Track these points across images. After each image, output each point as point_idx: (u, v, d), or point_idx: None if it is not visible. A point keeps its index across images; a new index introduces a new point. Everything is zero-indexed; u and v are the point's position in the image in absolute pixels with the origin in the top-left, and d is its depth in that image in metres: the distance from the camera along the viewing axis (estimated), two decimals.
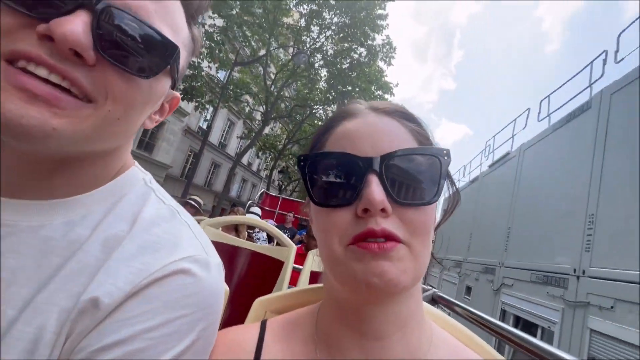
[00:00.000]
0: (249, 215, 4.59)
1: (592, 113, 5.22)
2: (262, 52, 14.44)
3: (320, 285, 0.57)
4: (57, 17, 0.33)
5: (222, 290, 0.47)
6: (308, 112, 16.87)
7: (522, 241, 6.49)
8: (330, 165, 0.41)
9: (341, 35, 14.06)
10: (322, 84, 16.12)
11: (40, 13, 0.33)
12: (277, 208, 9.73)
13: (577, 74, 6.49)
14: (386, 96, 15.48)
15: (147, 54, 0.38)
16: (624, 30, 5.33)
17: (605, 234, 4.26)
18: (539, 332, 5.18)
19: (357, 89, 14.69)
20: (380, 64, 14.69)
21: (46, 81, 0.34)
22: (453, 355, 0.45)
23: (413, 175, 0.39)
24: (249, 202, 9.45)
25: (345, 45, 14.39)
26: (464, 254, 9.34)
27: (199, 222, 0.50)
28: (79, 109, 0.36)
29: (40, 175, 0.40)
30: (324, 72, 15.51)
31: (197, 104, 11.52)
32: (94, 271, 0.39)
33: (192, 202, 4.14)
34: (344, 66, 14.50)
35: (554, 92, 7.30)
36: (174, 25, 0.42)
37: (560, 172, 5.74)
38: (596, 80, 5.81)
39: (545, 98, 7.51)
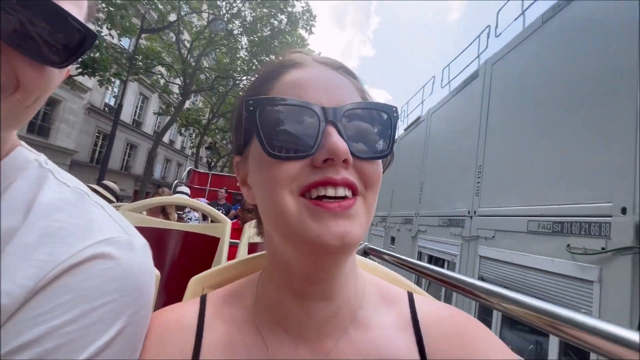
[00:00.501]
0: (176, 196, 4.30)
1: (479, 81, 6.19)
2: (173, 17, 13.05)
3: (259, 254, 0.56)
4: None
5: (151, 271, 0.43)
6: (232, 84, 16.11)
7: (432, 193, 7.61)
8: (286, 113, 0.37)
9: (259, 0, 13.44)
10: (243, 53, 15.42)
11: None
12: (208, 185, 9.49)
13: (468, 46, 7.50)
14: None
15: (61, 40, 0.35)
16: (502, 7, 6.32)
17: (489, 181, 5.32)
18: (445, 264, 6.36)
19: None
20: (302, 32, 14.60)
21: None
22: (382, 295, 0.47)
23: (368, 129, 0.39)
24: (176, 181, 9.01)
25: (265, 10, 13.84)
26: (388, 210, 10.52)
27: (116, 209, 0.46)
28: None
29: None
30: (244, 41, 14.80)
31: (100, 79, 10.14)
32: None
33: (100, 189, 3.33)
34: (265, 34, 14.02)
35: (452, 61, 8.35)
36: (79, 2, 0.38)
37: (458, 132, 6.77)
38: (482, 52, 6.85)
39: (446, 67, 8.54)
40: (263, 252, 0.53)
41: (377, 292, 0.47)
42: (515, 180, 4.64)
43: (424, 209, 7.89)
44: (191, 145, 22.81)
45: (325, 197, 0.36)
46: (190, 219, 4.56)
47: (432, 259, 7.24)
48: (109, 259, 0.37)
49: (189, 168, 9.90)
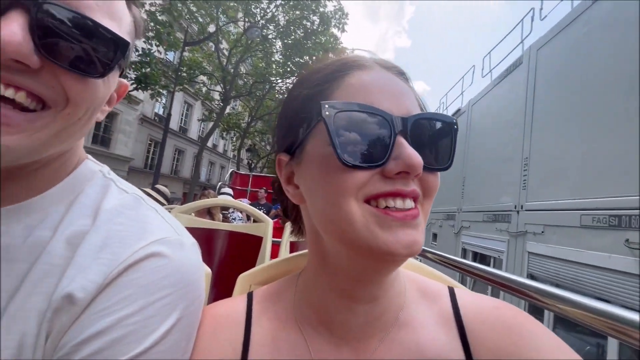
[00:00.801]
0: (220, 197, 4.48)
1: (523, 68, 5.85)
2: (212, 28, 13.80)
3: (301, 253, 0.57)
4: None
5: (201, 267, 0.46)
6: (268, 87, 16.65)
7: (474, 188, 7.34)
8: (359, 120, 0.36)
9: (291, 2, 13.73)
10: (277, 57, 15.86)
11: None
12: (249, 186, 9.78)
13: (510, 31, 7.09)
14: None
15: (99, 52, 0.37)
16: None
17: (536, 173, 5.06)
18: (492, 261, 6.14)
19: (314, 58, 14.65)
20: (334, 30, 14.67)
21: None
22: (423, 292, 0.47)
23: (433, 140, 0.39)
24: (219, 183, 9.34)
25: (297, 12, 14.12)
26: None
27: (168, 212, 0.51)
28: (30, 121, 0.35)
29: (17, 181, 0.39)
30: (278, 44, 15.21)
31: (152, 92, 11.07)
32: (62, 270, 0.38)
33: (153, 193, 3.50)
34: (298, 36, 14.30)
35: (493, 48, 7.95)
36: (116, 16, 0.40)
37: (502, 123, 6.46)
38: (526, 37, 6.46)
39: (486, 55, 8.15)
40: (304, 252, 0.54)
41: (417, 290, 0.47)
42: (565, 172, 4.38)
43: (466, 204, 7.64)
44: (232, 148, 23.97)
45: (390, 206, 0.36)
46: (235, 218, 4.74)
47: (477, 256, 7.01)
48: (162, 257, 0.41)
49: (231, 170, 10.28)
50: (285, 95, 0.48)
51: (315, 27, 14.13)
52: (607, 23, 4.03)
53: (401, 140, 0.36)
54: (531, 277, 4.91)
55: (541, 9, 5.99)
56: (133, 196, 0.47)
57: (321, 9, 13.65)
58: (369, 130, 0.36)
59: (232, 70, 14.66)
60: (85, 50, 0.35)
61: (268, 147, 24.11)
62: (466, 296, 0.46)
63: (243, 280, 0.58)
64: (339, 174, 0.35)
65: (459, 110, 9.28)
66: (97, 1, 0.37)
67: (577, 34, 4.56)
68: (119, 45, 0.39)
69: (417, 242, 0.35)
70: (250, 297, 0.49)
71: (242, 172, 11.80)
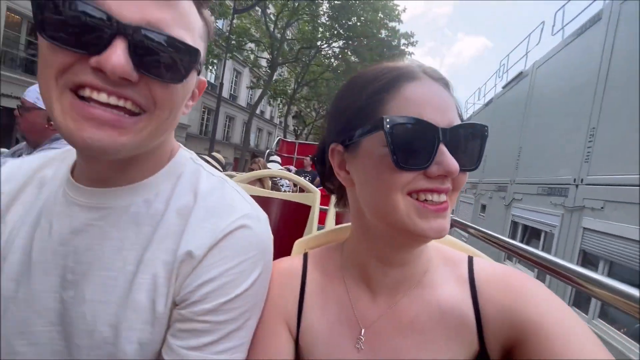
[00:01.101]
0: (270, 165, 4.81)
1: (602, 24, 5.16)
2: None
3: (341, 226, 0.69)
4: (99, 48, 0.39)
5: (271, 236, 0.56)
6: (314, 52, 16.35)
7: (531, 158, 6.92)
8: (411, 130, 0.43)
9: None
10: (324, 19, 15.29)
11: (88, 48, 0.39)
12: (295, 153, 9.90)
13: None
14: (393, 24, 14.71)
15: (177, 62, 0.43)
16: None
17: (602, 145, 4.67)
18: (542, 235, 5.95)
19: (363, 19, 13.98)
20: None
21: (107, 105, 0.41)
22: (445, 259, 0.55)
23: (467, 146, 0.46)
24: (267, 150, 9.61)
25: None
26: (479, 176, 9.86)
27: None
28: (136, 123, 0.43)
29: (118, 169, 0.49)
30: (325, 6, 14.61)
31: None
32: (178, 233, 0.50)
33: (210, 159, 3.62)
34: None
35: (568, 1, 6.99)
36: (189, 26, 0.46)
37: (570, 89, 5.87)
38: None
39: (559, 9, 7.21)
40: (346, 225, 0.65)
41: (441, 258, 0.55)
42: (634, 146, 4.01)
43: (520, 175, 7.27)
44: (279, 114, 24.35)
45: (428, 200, 0.44)
46: (282, 185, 4.99)
47: (527, 229, 6.80)
48: (247, 228, 0.52)
49: (278, 138, 10.46)
50: (342, 92, 0.54)
51: None
52: None
53: (443, 148, 0.43)
54: (584, 252, 4.74)
55: None
56: (219, 179, 0.58)
57: None
58: (418, 139, 0.43)
59: (279, 36, 14.59)
60: (167, 62, 0.42)
61: (314, 114, 24.00)
62: (482, 263, 0.53)
63: (299, 244, 0.71)
64: (391, 172, 0.44)
65: (520, 73, 8.50)
66: (174, 17, 0.43)
67: None
68: (192, 54, 0.45)
69: (445, 229, 0.45)
70: (305, 256, 0.62)
71: (288, 139, 11.79)
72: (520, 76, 8.49)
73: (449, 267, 0.54)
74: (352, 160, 0.50)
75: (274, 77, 17.80)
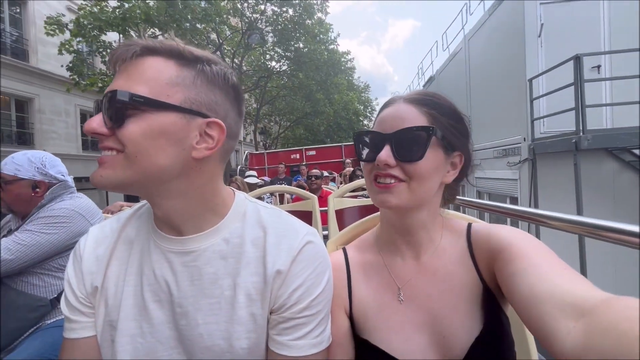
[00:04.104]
0: (249, 180, 4.89)
1: None
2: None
3: (366, 219, 0.86)
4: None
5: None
6: (268, 77, 17.50)
7: (482, 125, 7.36)
8: (367, 138, 0.65)
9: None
10: (272, 46, 16.51)
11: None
12: (265, 164, 10.06)
13: None
14: (332, 46, 17.32)
15: (117, 108, 0.50)
16: None
17: (475, 125, 5.38)
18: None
19: (302, 45, 15.69)
20: (319, 14, 15.48)
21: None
22: (451, 229, 0.68)
23: (410, 143, 0.59)
24: (239, 166, 9.63)
25: (290, 13, 14.93)
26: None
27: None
28: (113, 160, 0.52)
29: (188, 219, 0.60)
30: (270, 37, 15.93)
31: None
32: (259, 258, 0.60)
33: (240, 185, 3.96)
34: (284, 25, 14.97)
35: None
36: (145, 79, 0.52)
37: (498, 54, 6.39)
38: None
39: None
40: (367, 218, 0.86)
41: (449, 229, 0.69)
42: (485, 125, 4.95)
43: (476, 142, 7.72)
44: (245, 133, 25.80)
45: (378, 182, 0.62)
46: (263, 198, 4.89)
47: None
48: (312, 243, 0.63)
49: (246, 152, 10.55)
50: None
51: (297, 16, 14.95)
52: None
53: (386, 146, 0.60)
54: (478, 192, 7.35)
55: None
56: (272, 209, 0.68)
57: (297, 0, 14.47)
58: (371, 142, 0.64)
59: (237, 68, 15.46)
60: (114, 111, 0.51)
61: (276, 127, 24.34)
62: (476, 226, 0.66)
63: (332, 244, 0.88)
64: (364, 165, 0.66)
65: (457, 51, 9.00)
66: (127, 78, 0.52)
67: None
68: (123, 99, 0.51)
69: (387, 201, 0.61)
70: (344, 250, 0.76)
71: (255, 152, 11.90)
72: (455, 50, 9.00)
73: (455, 233, 0.68)
74: None
75: None
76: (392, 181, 0.60)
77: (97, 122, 0.51)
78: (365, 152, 0.64)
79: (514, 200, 5.84)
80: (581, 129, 4.19)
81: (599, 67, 5.01)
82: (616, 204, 4.80)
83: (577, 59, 4.09)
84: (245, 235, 0.62)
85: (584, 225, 0.73)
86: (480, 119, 7.36)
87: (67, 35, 9.04)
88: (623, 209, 4.71)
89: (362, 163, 0.67)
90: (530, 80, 5.06)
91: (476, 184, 7.52)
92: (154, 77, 0.52)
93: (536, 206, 4.87)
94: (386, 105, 0.66)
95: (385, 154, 0.59)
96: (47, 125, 11.51)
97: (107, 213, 2.10)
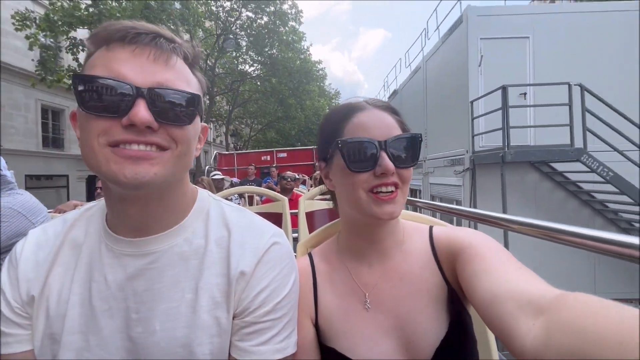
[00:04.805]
0: (213, 177, 5.08)
1: (464, 27, 6.49)
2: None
3: (331, 223, 0.84)
4: (127, 110, 0.48)
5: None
6: (241, 81, 18.03)
7: (436, 137, 8.30)
8: (358, 146, 0.60)
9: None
10: (248, 53, 17.22)
11: (118, 112, 0.48)
12: (235, 165, 10.01)
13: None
14: (303, 55, 18.19)
15: (184, 107, 0.52)
16: None
17: (431, 138, 6.33)
18: (417, 192, 9.23)
19: (276, 51, 16.34)
20: (293, 24, 16.36)
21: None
22: (414, 231, 0.70)
23: (405, 149, 0.61)
24: (207, 167, 9.64)
25: (263, 19, 15.74)
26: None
27: None
28: (162, 156, 0.51)
29: (156, 218, 0.57)
30: (244, 41, 16.54)
31: None
32: (223, 259, 0.58)
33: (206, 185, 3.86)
34: (261, 22, 15.67)
35: (437, 6, 8.58)
36: (187, 81, 0.55)
37: (448, 77, 7.33)
38: None
39: (432, 13, 8.76)
40: (336, 221, 0.82)
41: (412, 230, 0.70)
42: (439, 139, 7.96)
43: (430, 152, 8.64)
44: (216, 135, 25.79)
45: (380, 192, 0.60)
46: (231, 199, 4.83)
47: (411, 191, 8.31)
48: (278, 243, 0.62)
49: (215, 152, 10.48)
50: (321, 122, 0.72)
51: (272, 24, 15.69)
52: None
53: (382, 154, 0.59)
54: (432, 196, 8.53)
55: None
56: (237, 208, 0.67)
57: (272, 8, 15.22)
58: (364, 151, 0.60)
59: (210, 72, 15.83)
60: (177, 109, 0.51)
61: (247, 129, 24.59)
62: (437, 229, 0.68)
63: (301, 246, 0.86)
64: (351, 177, 0.61)
65: (418, 68, 9.94)
66: (175, 76, 0.53)
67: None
68: (194, 99, 0.53)
69: (395, 212, 0.60)
70: (310, 255, 0.74)
71: (225, 152, 11.66)
72: (416, 69, 9.98)
73: (418, 236, 0.69)
74: (330, 171, 0.68)
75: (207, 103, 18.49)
76: (393, 189, 0.60)
77: (149, 114, 0.49)
78: (356, 162, 0.60)
79: (459, 204, 6.74)
80: (506, 145, 5.13)
81: (525, 94, 6.05)
82: (538, 207, 5.85)
83: (504, 89, 5.03)
84: (209, 235, 0.60)
85: (540, 228, 0.76)
86: (435, 132, 8.36)
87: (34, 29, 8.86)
88: (543, 211, 5.76)
89: (349, 175, 0.62)
90: (472, 102, 5.98)
91: (430, 190, 8.73)
92: (190, 81, 0.56)
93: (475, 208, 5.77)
94: (355, 110, 0.65)
95: (388, 162, 0.59)
96: (4, 120, 10.95)
97: (58, 212, 1.99)
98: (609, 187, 5.10)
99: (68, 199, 12.57)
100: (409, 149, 0.62)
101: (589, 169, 5.04)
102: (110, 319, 0.55)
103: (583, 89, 4.92)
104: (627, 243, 0.55)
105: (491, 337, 0.74)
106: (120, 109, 0.48)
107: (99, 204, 0.64)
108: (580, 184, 5.66)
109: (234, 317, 0.57)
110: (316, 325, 0.67)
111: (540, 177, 5.88)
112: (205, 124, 0.63)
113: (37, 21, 8.85)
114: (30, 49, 8.86)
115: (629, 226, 5.60)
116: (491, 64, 6.16)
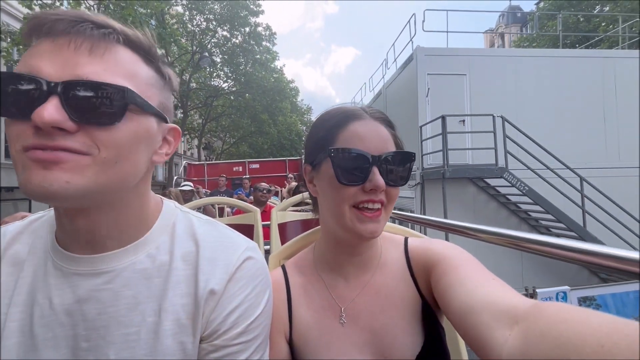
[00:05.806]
0: (182, 188, 5.05)
1: (414, 64, 7.63)
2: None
3: (309, 232, 0.83)
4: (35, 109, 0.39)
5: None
6: (215, 96, 18.61)
7: None
8: (350, 157, 0.57)
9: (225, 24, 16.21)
10: (222, 68, 18.09)
11: (28, 114, 0.40)
12: (205, 175, 9.96)
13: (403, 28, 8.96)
14: (276, 75, 19.07)
15: (107, 104, 0.42)
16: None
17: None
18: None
19: (250, 68, 17.24)
20: (266, 44, 17.46)
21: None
22: (390, 243, 0.70)
23: (397, 167, 0.60)
24: (175, 177, 9.58)
25: (237, 39, 16.70)
26: None
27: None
28: (77, 160, 0.42)
29: (111, 233, 0.50)
30: (219, 57, 17.40)
31: None
32: (190, 277, 0.53)
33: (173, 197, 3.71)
34: (236, 41, 16.58)
35: (396, 39, 9.85)
36: (128, 73, 0.46)
37: (403, 104, 8.40)
38: (413, 37, 8.39)
39: (390, 48, 9.98)
40: (310, 231, 0.82)
41: (388, 242, 0.71)
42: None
43: None
44: (187, 147, 26.37)
45: (366, 208, 0.59)
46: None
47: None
48: (252, 259, 0.58)
49: (184, 163, 10.49)
50: (313, 125, 0.70)
51: (246, 43, 16.66)
52: None
53: (375, 169, 0.58)
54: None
55: (423, 20, 7.92)
56: (207, 220, 0.63)
57: (247, 29, 16.31)
58: (356, 163, 0.58)
59: (186, 88, 16.31)
60: (99, 106, 0.42)
61: (220, 142, 25.03)
62: (412, 241, 0.70)
63: (273, 258, 0.84)
64: (339, 188, 0.59)
65: (380, 93, 11.05)
66: (107, 67, 0.44)
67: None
68: (121, 93, 0.43)
69: (377, 231, 0.59)
70: (283, 267, 0.73)
71: (195, 163, 11.46)
72: (378, 94, 11.14)
73: (394, 248, 0.70)
74: (317, 177, 0.66)
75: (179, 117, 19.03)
76: (379, 207, 0.60)
77: (59, 114, 0.40)
78: (347, 174, 0.58)
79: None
80: (445, 164, 6.19)
81: (463, 121, 7.24)
82: (476, 215, 6.95)
83: (443, 118, 6.12)
84: (174, 251, 0.55)
85: (508, 237, 0.79)
86: None
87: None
88: (480, 218, 6.86)
89: (336, 187, 0.59)
90: (421, 127, 7.08)
91: None
92: (135, 73, 0.47)
93: None
94: (352, 117, 0.62)
95: (380, 178, 0.58)
96: None
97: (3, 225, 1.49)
98: (528, 199, 6.27)
99: (30, 212, 12.20)
100: (401, 167, 0.61)
101: (510, 184, 6.19)
102: (54, 350, 0.48)
103: (503, 120, 6.12)
104: (578, 248, 0.61)
105: (463, 350, 0.75)
106: (30, 109, 0.40)
107: (48, 214, 0.57)
108: (509, 197, 6.83)
109: (201, 341, 0.53)
110: (290, 341, 0.65)
111: (477, 190, 7.01)
112: (175, 125, 0.56)
113: (12, 36, 8.99)
114: (7, 65, 8.94)
115: (547, 232, 6.82)
116: (437, 95, 7.33)
